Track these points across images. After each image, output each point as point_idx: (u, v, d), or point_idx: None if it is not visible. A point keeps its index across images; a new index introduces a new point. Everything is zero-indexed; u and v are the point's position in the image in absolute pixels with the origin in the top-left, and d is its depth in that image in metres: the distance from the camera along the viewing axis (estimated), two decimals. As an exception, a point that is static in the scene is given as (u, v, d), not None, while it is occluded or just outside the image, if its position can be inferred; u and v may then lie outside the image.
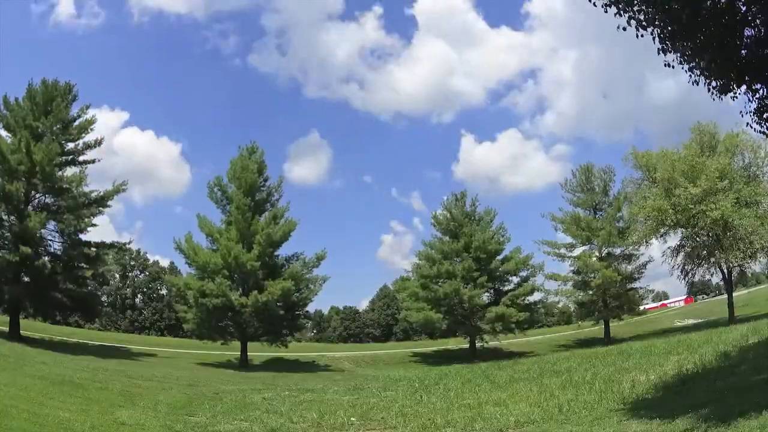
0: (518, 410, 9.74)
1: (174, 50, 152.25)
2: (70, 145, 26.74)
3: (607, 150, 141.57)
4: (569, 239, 37.74)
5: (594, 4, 6.34)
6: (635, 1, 6.25)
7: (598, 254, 36.71)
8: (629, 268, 37.04)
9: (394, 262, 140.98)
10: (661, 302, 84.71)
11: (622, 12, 6.29)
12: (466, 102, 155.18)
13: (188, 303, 28.35)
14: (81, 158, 26.93)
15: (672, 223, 27.81)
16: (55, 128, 25.83)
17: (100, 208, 26.63)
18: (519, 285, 35.46)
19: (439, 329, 34.92)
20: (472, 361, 29.06)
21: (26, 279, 24.47)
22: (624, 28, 6.35)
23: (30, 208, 24.69)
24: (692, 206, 26.38)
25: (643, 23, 6.35)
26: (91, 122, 27.07)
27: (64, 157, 26.07)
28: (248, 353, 28.06)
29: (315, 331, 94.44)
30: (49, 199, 25.82)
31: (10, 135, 25.08)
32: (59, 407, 8.77)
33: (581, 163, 39.12)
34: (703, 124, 30.84)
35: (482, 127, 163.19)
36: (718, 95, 6.95)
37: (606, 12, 6.35)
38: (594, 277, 34.81)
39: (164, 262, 75.60)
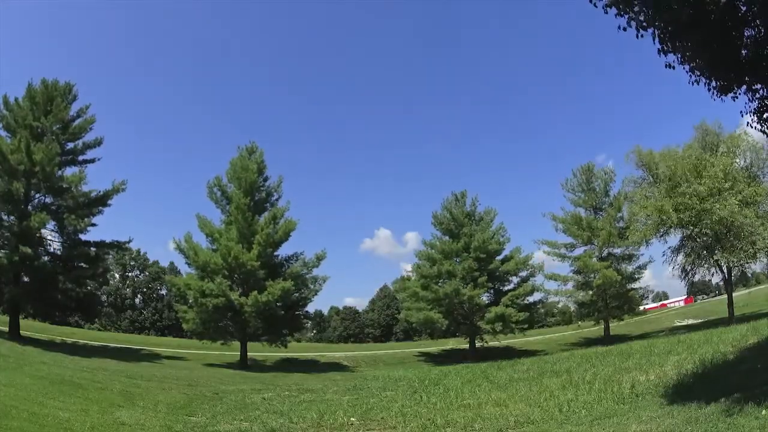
0: (518, 410, 9.73)
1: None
2: (70, 145, 26.74)
3: None
4: (570, 239, 37.75)
5: (594, 5, 6.36)
6: (635, 2, 6.25)
7: (598, 254, 36.70)
8: (629, 268, 37.08)
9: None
10: (661, 302, 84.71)
11: (622, 13, 6.31)
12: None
13: (188, 303, 28.37)
14: (81, 157, 26.97)
15: (673, 223, 27.68)
16: (55, 128, 25.81)
17: (100, 208, 26.63)
18: (519, 285, 35.45)
19: (439, 329, 34.91)
20: (475, 361, 29.04)
21: (26, 279, 24.42)
22: (624, 29, 6.37)
23: (30, 208, 24.68)
24: (697, 204, 26.19)
25: (643, 24, 6.36)
26: (90, 121, 27.07)
27: (63, 157, 26.04)
28: (248, 353, 28.06)
29: (315, 331, 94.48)
30: (49, 199, 25.79)
31: (10, 135, 25.06)
32: (59, 407, 8.77)
33: (581, 163, 39.10)
34: (707, 124, 30.65)
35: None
36: (718, 95, 6.96)
37: (606, 13, 6.36)
38: (594, 277, 34.78)
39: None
